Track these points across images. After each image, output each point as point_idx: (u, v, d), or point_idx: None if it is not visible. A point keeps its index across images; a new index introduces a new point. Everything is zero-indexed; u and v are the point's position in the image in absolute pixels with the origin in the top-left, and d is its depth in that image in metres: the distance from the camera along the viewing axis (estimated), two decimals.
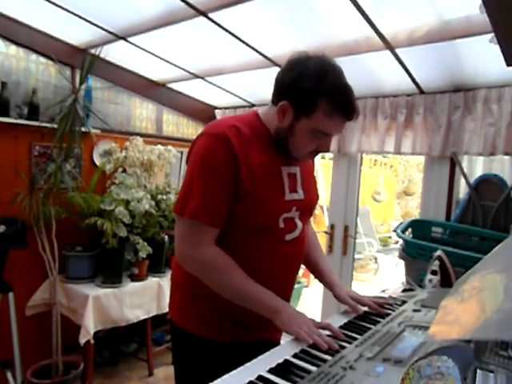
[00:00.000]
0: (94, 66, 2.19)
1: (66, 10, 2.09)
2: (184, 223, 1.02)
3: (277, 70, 1.08)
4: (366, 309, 1.18)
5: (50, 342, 2.27)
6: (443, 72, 2.05)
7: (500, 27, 0.81)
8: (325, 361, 0.83)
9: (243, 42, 2.15)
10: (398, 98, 2.31)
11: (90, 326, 2.19)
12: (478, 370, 0.53)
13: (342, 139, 2.56)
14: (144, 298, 2.53)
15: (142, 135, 2.91)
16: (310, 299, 4.45)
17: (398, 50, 1.90)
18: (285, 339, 1.11)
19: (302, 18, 1.87)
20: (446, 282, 1.44)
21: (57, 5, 2.06)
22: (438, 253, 1.52)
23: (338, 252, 2.75)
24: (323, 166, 6.60)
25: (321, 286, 1.33)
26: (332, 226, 2.78)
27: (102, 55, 2.24)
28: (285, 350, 0.90)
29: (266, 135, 1.07)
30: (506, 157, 2.04)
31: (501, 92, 1.93)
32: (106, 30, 2.29)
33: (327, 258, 1.32)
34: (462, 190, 2.24)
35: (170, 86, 3.15)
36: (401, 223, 2.18)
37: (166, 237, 2.71)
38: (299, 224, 1.11)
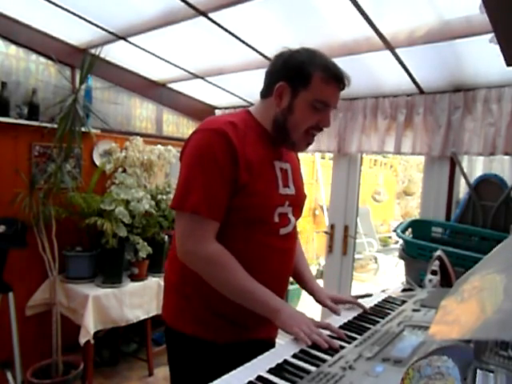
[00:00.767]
0: (94, 66, 2.19)
1: (66, 9, 2.09)
2: (185, 218, 1.01)
3: None
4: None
5: (50, 342, 2.27)
6: (443, 72, 2.05)
7: (500, 27, 0.81)
8: (324, 361, 0.83)
9: (243, 42, 2.15)
10: (397, 98, 2.31)
11: (89, 325, 2.19)
12: (478, 370, 0.53)
13: (341, 139, 2.56)
14: (144, 297, 2.53)
15: (142, 135, 2.91)
16: (310, 299, 4.45)
17: (397, 50, 1.90)
18: (282, 339, 1.11)
19: (302, 18, 1.87)
20: (446, 282, 1.44)
21: (57, 5, 2.06)
22: (438, 253, 1.52)
23: (338, 252, 2.75)
24: (323, 166, 6.60)
25: (321, 286, 1.34)
26: (332, 226, 2.78)
27: (102, 55, 2.24)
28: (284, 350, 0.90)
29: (259, 130, 1.10)
30: (506, 157, 2.04)
31: (501, 92, 1.93)
32: (106, 30, 2.29)
33: (309, 266, 1.34)
34: (462, 190, 2.24)
35: (170, 85, 3.15)
36: (401, 223, 2.18)
37: (166, 237, 2.71)
38: (292, 219, 1.14)
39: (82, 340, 2.18)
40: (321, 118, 1.07)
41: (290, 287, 3.81)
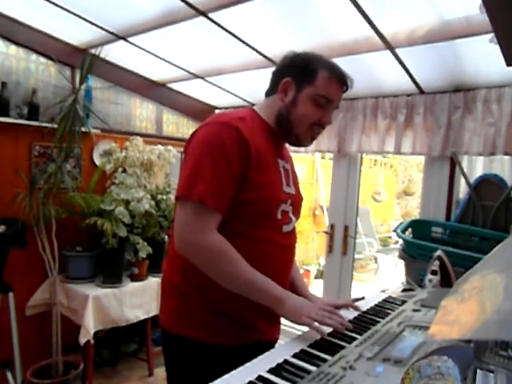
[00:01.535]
0: (94, 66, 2.19)
1: (66, 9, 2.09)
2: (188, 208, 0.98)
3: None
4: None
5: (50, 342, 2.27)
6: (443, 72, 2.05)
7: (500, 27, 0.81)
8: (324, 361, 0.83)
9: (243, 42, 2.15)
10: (397, 98, 2.31)
11: (90, 325, 2.19)
12: (478, 370, 0.53)
13: (341, 139, 2.56)
14: (144, 298, 2.53)
15: (142, 135, 2.91)
16: None
17: (397, 50, 1.90)
18: (282, 338, 1.10)
19: (302, 17, 1.87)
20: (446, 282, 1.44)
21: (57, 5, 2.06)
22: (438, 253, 1.52)
23: (338, 252, 2.75)
24: (323, 166, 6.60)
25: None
26: (332, 226, 2.78)
27: (102, 55, 2.24)
28: (285, 349, 0.90)
29: (264, 126, 1.11)
30: (506, 157, 2.04)
31: (501, 92, 1.93)
32: (106, 30, 2.29)
33: (302, 276, 1.35)
34: (462, 190, 2.24)
35: (170, 85, 3.15)
36: (401, 223, 2.18)
37: (166, 237, 2.71)
38: (293, 218, 1.15)
39: (82, 340, 2.18)
40: (323, 115, 1.09)
41: None
